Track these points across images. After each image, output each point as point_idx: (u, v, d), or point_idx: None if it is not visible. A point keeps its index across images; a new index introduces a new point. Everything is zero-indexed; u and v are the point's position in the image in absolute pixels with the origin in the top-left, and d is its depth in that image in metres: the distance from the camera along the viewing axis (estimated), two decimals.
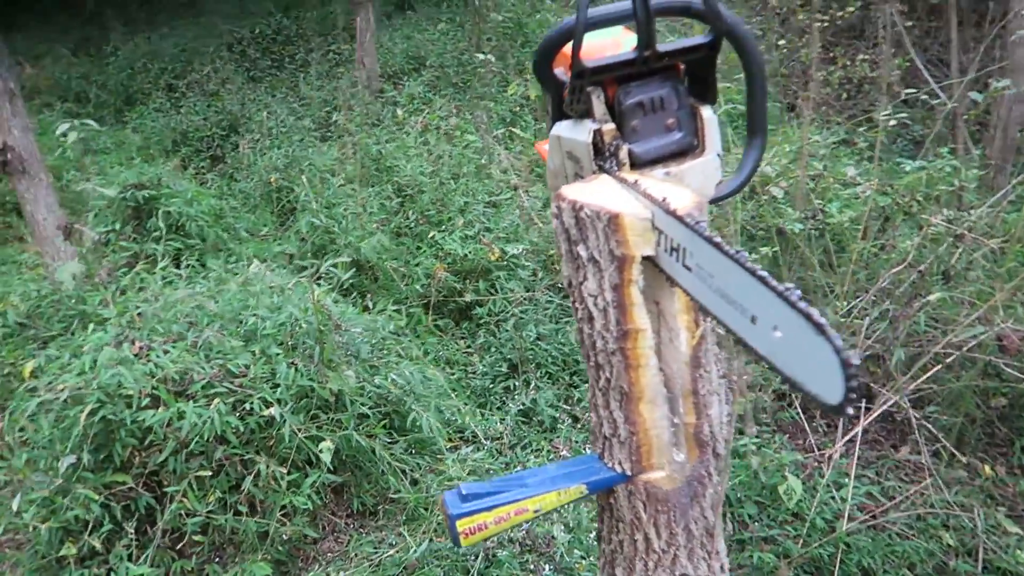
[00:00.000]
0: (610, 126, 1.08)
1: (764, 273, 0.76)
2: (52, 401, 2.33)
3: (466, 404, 3.26)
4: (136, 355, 2.50)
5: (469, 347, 3.72)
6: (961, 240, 3.21)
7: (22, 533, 2.35)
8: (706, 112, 1.14)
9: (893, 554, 2.72)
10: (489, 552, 2.48)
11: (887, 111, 3.67)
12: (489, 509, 1.08)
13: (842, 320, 3.15)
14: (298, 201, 4.65)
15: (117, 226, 4.01)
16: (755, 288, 0.78)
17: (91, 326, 2.82)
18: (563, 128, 1.16)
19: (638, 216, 0.98)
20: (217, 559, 2.55)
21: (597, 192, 1.03)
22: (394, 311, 3.47)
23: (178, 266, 3.55)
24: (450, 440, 3.07)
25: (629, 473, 1.13)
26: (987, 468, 2.96)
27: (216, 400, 2.43)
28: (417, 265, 3.82)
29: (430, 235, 4.00)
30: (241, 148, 5.82)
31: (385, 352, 3.02)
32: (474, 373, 3.47)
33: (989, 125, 5.01)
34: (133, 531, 2.23)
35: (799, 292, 0.74)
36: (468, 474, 2.78)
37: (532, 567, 2.61)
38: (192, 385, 2.48)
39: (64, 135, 3.44)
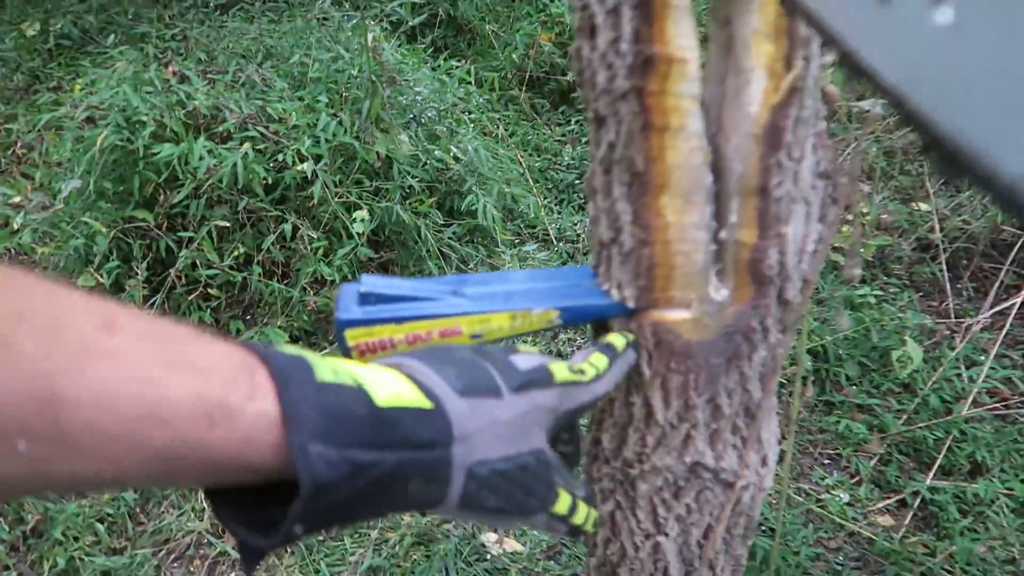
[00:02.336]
0: None
1: None
2: (71, 119, 2.09)
3: (544, 198, 2.85)
4: (168, 79, 2.20)
5: (564, 136, 3.24)
6: None
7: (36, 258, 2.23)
8: None
9: (1019, 452, 2.23)
10: None
11: None
12: (398, 321, 0.70)
13: None
14: None
15: None
16: None
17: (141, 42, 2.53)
18: None
19: None
20: (246, 317, 2.39)
21: None
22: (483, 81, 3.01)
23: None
24: (517, 235, 2.71)
25: (631, 305, 0.70)
26: None
27: (246, 144, 2.13)
28: (518, 30, 3.27)
29: None
30: None
31: (456, 122, 2.60)
32: (560, 164, 3.02)
33: None
34: (144, 272, 2.05)
35: None
36: None
37: None
38: (223, 124, 2.18)
39: None
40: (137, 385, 0.35)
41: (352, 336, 0.70)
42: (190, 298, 2.16)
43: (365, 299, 0.70)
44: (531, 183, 2.86)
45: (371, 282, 0.71)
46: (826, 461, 2.28)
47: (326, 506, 0.40)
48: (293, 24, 2.67)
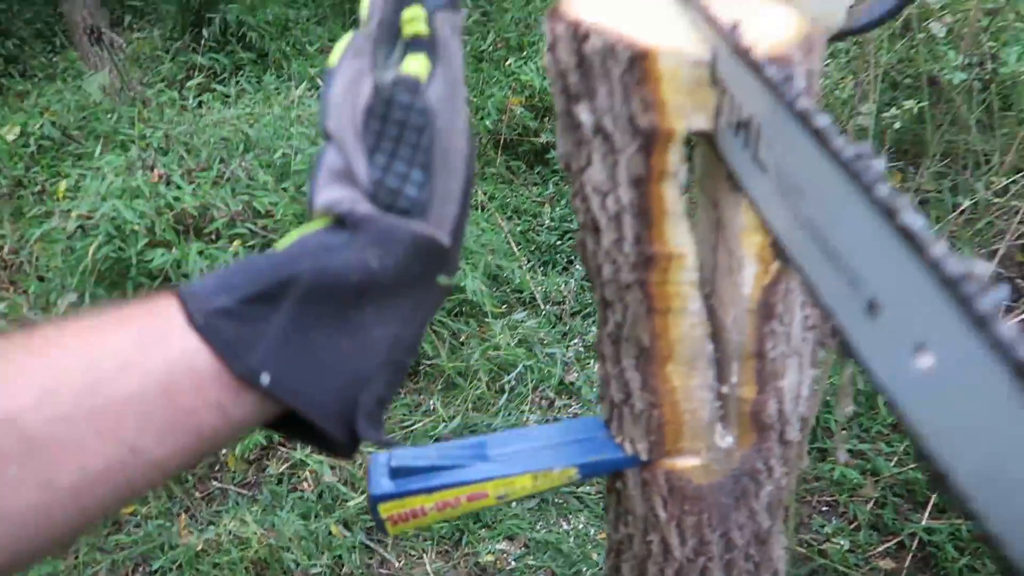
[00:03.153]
0: None
1: (908, 214, 0.32)
2: (61, 230, 2.12)
3: (528, 261, 2.91)
4: (155, 183, 2.23)
5: (540, 195, 3.31)
6: None
7: None
8: None
9: None
10: None
11: None
12: (428, 492, 0.74)
13: (996, 199, 2.54)
14: None
15: (174, 33, 3.68)
16: (882, 239, 0.33)
17: (122, 147, 2.57)
18: None
19: (685, 57, 0.53)
20: None
21: (622, 8, 0.58)
22: None
23: (230, 83, 3.22)
24: (505, 303, 2.76)
25: (644, 457, 0.75)
26: None
27: (236, 242, 2.17)
28: (489, 97, 3.35)
29: (506, 62, 3.48)
30: None
31: None
32: (541, 225, 3.09)
33: None
34: None
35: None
36: (517, 344, 2.47)
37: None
38: (212, 223, 2.21)
39: None
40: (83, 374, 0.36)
41: (385, 509, 0.74)
42: None
43: (395, 472, 0.74)
44: (514, 248, 2.92)
45: (401, 455, 0.75)
46: (824, 508, 2.32)
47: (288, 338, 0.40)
48: (271, 112, 2.72)
